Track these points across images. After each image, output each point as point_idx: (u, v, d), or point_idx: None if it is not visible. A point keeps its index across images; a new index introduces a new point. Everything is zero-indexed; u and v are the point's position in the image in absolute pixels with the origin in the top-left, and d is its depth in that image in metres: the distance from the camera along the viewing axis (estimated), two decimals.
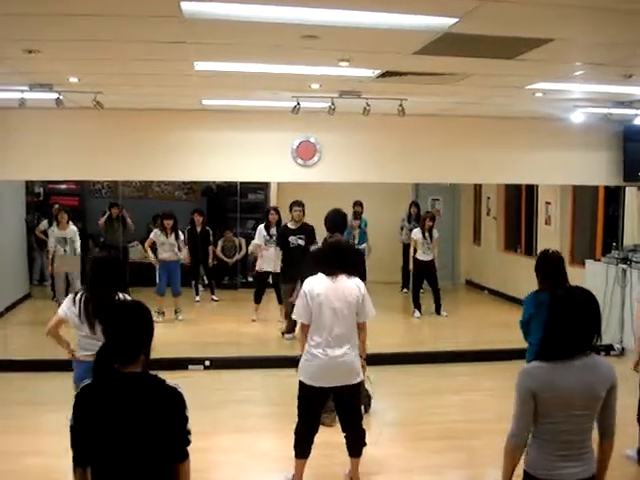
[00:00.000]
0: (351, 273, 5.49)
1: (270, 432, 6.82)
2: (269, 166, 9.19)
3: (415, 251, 12.13)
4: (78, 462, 3.12)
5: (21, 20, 4.43)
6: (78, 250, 11.14)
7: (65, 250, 10.97)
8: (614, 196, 10.82)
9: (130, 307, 3.33)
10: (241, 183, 14.13)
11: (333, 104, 7.65)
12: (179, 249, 11.42)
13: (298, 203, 10.28)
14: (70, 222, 11.29)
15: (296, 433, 5.49)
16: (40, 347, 9.26)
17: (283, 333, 10.22)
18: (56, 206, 12.42)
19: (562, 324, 3.38)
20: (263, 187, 14.68)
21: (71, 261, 10.99)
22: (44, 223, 12.58)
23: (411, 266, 12.27)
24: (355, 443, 5.53)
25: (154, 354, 3.21)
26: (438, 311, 12.12)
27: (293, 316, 5.56)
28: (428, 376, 8.79)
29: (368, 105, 7.63)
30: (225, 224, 14.09)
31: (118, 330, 3.13)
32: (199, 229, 12.57)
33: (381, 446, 6.52)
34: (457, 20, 4.28)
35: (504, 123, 9.30)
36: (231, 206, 14.37)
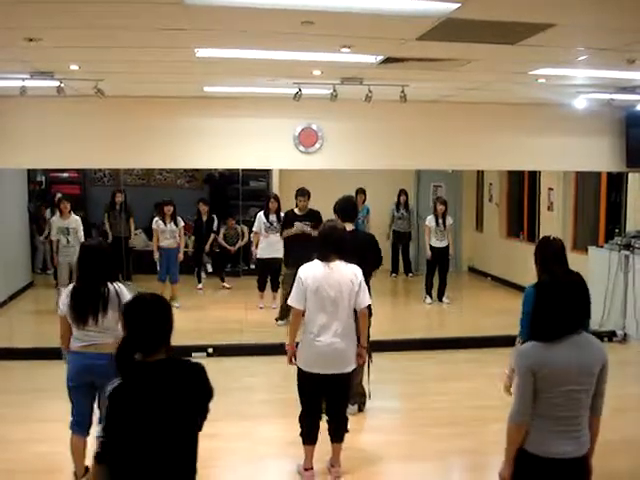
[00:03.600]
0: (349, 259, 5.48)
1: (274, 419, 6.84)
2: (271, 153, 9.17)
3: (430, 238, 12.16)
4: (102, 460, 3.15)
5: (22, 8, 4.42)
6: (82, 239, 10.86)
7: (68, 240, 10.82)
8: (617, 182, 10.79)
9: (151, 300, 3.36)
10: (243, 170, 14.09)
11: (335, 91, 7.63)
12: (179, 236, 11.49)
13: (302, 193, 10.26)
14: (72, 211, 11.10)
15: (300, 420, 5.55)
16: (43, 335, 9.31)
17: (277, 319, 10.27)
18: (58, 195, 12.40)
19: (548, 306, 3.49)
20: (265, 174, 14.65)
21: (74, 251, 10.86)
22: (47, 212, 12.56)
23: (428, 253, 12.22)
24: (338, 429, 5.59)
25: None
26: (440, 298, 12.15)
27: (288, 301, 5.56)
28: (431, 363, 8.80)
29: (370, 92, 7.61)
30: (227, 212, 14.09)
31: (141, 323, 3.23)
32: (205, 218, 12.65)
33: (384, 432, 6.55)
34: (459, 5, 4.26)
35: (506, 109, 9.26)
36: (233, 193, 14.36)
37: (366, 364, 6.34)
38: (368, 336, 5.75)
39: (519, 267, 13.14)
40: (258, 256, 11.17)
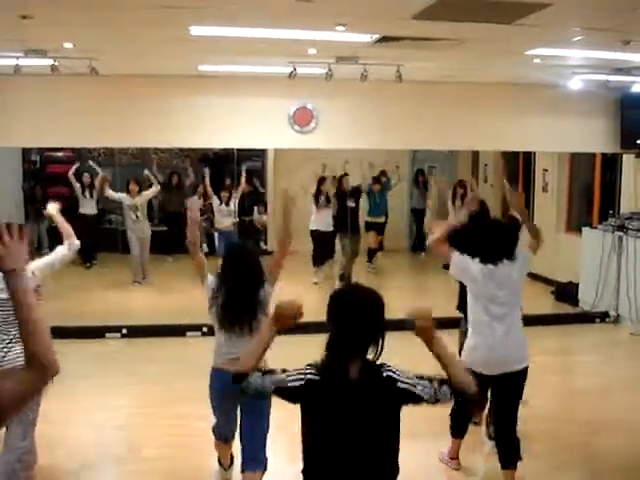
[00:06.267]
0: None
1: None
2: (265, 133, 9.15)
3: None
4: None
5: None
6: (157, 188, 12.12)
7: (137, 215, 11.71)
8: (611, 163, 10.81)
9: (365, 296, 3.04)
10: (238, 150, 14.10)
11: (330, 70, 7.61)
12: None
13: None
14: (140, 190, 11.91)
15: (452, 414, 5.36)
16: None
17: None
18: (86, 174, 12.96)
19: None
20: (260, 154, 14.64)
21: (141, 226, 11.83)
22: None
23: None
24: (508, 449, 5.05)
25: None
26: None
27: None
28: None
29: (365, 71, 7.59)
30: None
31: (354, 321, 2.94)
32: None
33: None
34: None
35: (502, 90, 9.26)
36: (228, 173, 14.34)
37: None
38: None
39: None
40: (311, 227, 11.80)
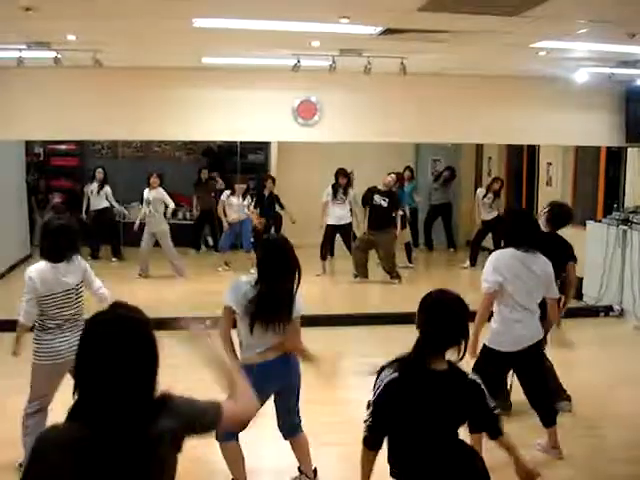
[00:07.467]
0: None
1: None
2: (269, 126, 9.14)
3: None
4: (372, 446, 3.30)
5: None
6: (171, 205, 11.74)
7: (149, 210, 11.57)
8: (616, 157, 10.77)
9: (456, 300, 3.27)
10: (241, 143, 14.08)
11: (334, 62, 7.58)
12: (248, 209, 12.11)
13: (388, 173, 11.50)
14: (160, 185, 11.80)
15: None
16: None
17: (356, 276, 11.45)
18: (99, 170, 12.95)
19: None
20: (263, 147, 14.61)
21: (154, 220, 11.63)
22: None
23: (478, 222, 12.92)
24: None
25: None
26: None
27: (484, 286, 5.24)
28: None
29: (369, 64, 7.57)
30: (225, 184, 14.08)
31: (446, 321, 3.19)
32: (267, 193, 12.87)
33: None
34: None
35: (507, 82, 9.22)
36: (231, 166, 14.34)
37: None
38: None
39: None
40: (328, 222, 11.84)
